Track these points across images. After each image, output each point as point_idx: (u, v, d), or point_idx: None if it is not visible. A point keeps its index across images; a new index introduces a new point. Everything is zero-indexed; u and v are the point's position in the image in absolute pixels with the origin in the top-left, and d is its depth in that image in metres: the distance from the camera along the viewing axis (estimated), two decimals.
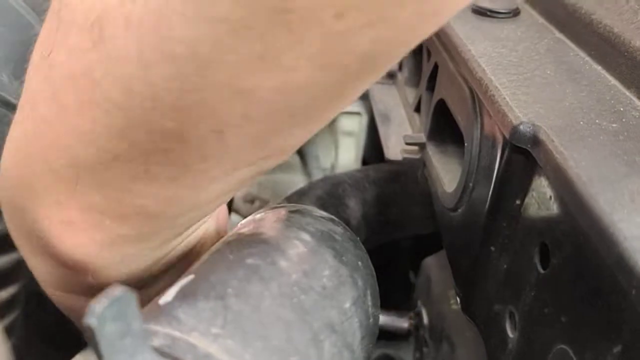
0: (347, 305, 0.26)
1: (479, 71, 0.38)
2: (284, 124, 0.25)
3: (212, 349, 0.20)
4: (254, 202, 1.07)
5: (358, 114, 0.94)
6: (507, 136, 0.32)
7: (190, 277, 0.24)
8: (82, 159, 0.26)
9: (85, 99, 0.24)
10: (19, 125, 0.28)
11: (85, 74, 0.23)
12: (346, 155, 1.00)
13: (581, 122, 0.31)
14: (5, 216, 0.31)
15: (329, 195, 0.62)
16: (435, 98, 0.47)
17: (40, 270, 0.31)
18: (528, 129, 0.31)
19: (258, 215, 0.31)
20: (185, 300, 0.22)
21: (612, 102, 0.34)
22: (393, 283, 0.93)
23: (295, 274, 0.25)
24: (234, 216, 1.04)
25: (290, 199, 0.61)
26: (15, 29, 0.43)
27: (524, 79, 0.36)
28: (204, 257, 0.27)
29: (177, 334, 0.20)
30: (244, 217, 1.07)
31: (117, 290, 0.17)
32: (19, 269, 0.44)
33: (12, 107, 0.41)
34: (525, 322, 0.34)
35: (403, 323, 0.64)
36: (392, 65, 0.61)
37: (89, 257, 0.28)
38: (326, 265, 0.27)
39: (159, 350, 0.19)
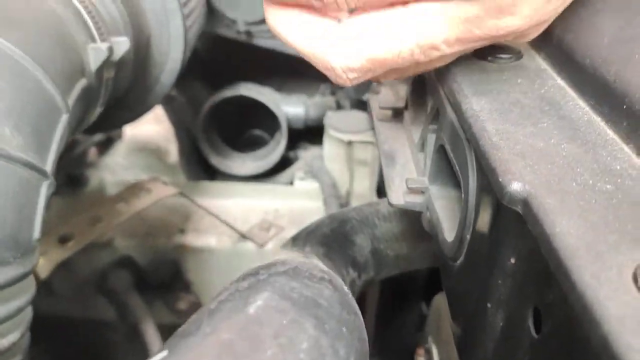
0: None
1: (475, 125, 0.37)
2: None
3: None
4: (269, 230, 1.07)
5: (372, 143, 0.94)
6: (499, 196, 0.32)
7: (164, 353, 0.24)
8: None
9: None
10: None
11: None
12: (361, 183, 1.00)
13: (574, 184, 0.31)
14: None
15: (336, 233, 0.62)
16: (437, 143, 0.46)
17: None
18: (519, 191, 0.31)
19: (244, 281, 0.31)
20: None
21: (609, 159, 0.33)
22: (406, 313, 0.92)
23: (270, 350, 0.25)
24: (249, 244, 1.04)
25: (296, 238, 0.61)
26: (17, 82, 0.44)
27: (521, 136, 0.35)
28: (183, 326, 0.27)
29: None
30: (260, 244, 1.07)
31: None
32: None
33: (14, 161, 0.41)
34: None
35: None
36: (400, 103, 0.61)
37: None
38: (305, 337, 0.27)
39: None
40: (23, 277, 0.43)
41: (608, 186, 0.30)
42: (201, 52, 1.16)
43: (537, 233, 0.29)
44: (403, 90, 0.65)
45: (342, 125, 0.97)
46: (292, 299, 0.29)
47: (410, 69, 0.40)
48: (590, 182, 0.31)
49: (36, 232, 0.44)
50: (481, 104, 0.39)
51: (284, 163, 1.21)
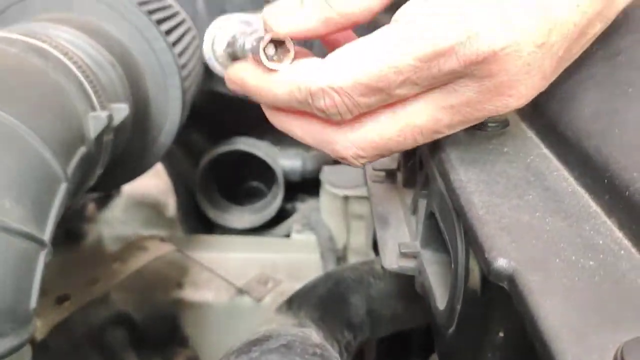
0: None
1: (462, 197, 0.38)
2: None
3: None
4: (267, 283, 1.07)
5: (368, 198, 0.95)
6: (485, 271, 0.32)
7: None
8: None
9: None
10: None
11: None
12: (358, 237, 1.01)
13: (557, 260, 0.31)
14: None
15: (331, 294, 0.62)
16: (427, 209, 0.47)
17: None
18: (504, 268, 0.31)
19: (236, 359, 0.31)
20: None
21: (592, 233, 0.34)
22: None
23: None
24: (246, 298, 1.04)
25: (292, 300, 0.61)
26: (19, 155, 0.45)
27: (507, 209, 0.36)
28: None
29: None
30: (257, 299, 1.07)
31: None
32: None
33: (14, 233, 0.42)
34: None
35: None
36: (393, 164, 0.62)
37: None
38: None
39: None
40: (20, 347, 0.43)
41: (591, 262, 0.31)
42: (199, 107, 1.18)
43: (522, 311, 0.29)
44: None
45: (338, 180, 0.98)
46: None
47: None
48: (573, 258, 0.32)
49: (33, 302, 0.45)
50: (468, 174, 0.40)
51: (281, 214, 1.22)
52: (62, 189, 0.49)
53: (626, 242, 0.33)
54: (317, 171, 1.13)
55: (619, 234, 0.33)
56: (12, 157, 0.44)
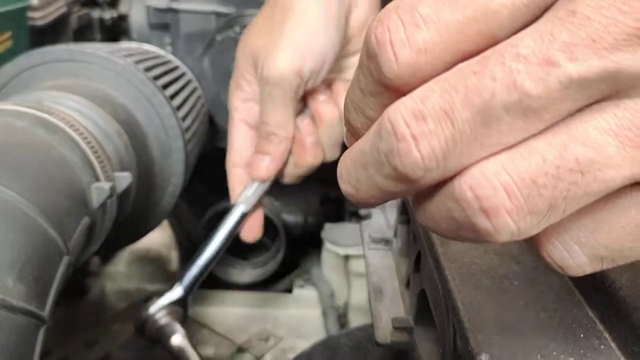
0: None
1: (449, 280, 0.39)
2: None
3: None
4: (268, 340, 1.07)
5: None
6: None
7: None
8: None
9: None
10: None
11: None
12: (358, 295, 1.01)
13: (539, 356, 0.32)
14: None
15: None
16: (419, 286, 0.48)
17: None
18: None
19: None
20: None
21: (574, 326, 0.34)
22: None
23: None
24: (247, 356, 1.04)
25: None
26: (23, 233, 0.46)
27: (491, 299, 0.37)
28: None
29: None
30: (258, 357, 1.06)
31: None
32: None
33: (15, 311, 0.43)
34: None
35: None
36: (390, 232, 0.63)
37: None
38: None
39: None
40: None
41: (570, 358, 0.32)
42: (203, 161, 1.21)
43: None
44: (393, 216, 0.68)
45: (339, 238, 0.99)
46: None
47: None
48: (555, 353, 0.32)
49: None
50: (455, 257, 0.41)
51: (284, 268, 1.23)
52: (64, 262, 0.50)
53: (606, 335, 0.33)
54: (320, 225, 1.14)
55: (600, 326, 0.34)
56: (15, 235, 0.46)
